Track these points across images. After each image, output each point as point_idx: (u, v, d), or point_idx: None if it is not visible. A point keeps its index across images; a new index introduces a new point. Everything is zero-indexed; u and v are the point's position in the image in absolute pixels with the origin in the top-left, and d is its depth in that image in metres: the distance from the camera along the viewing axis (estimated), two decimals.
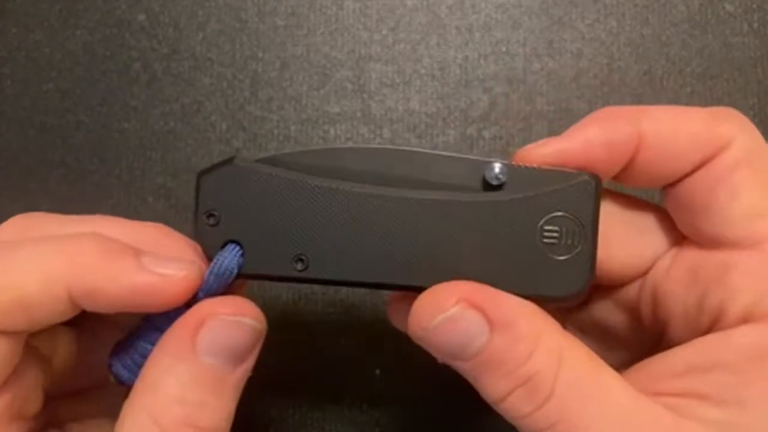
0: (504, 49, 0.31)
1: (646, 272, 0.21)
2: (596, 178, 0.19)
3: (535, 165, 0.19)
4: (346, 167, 0.19)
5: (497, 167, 0.18)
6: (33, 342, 0.19)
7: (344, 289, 0.29)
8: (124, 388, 0.19)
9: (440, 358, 0.19)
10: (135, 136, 0.31)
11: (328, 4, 0.31)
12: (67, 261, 0.17)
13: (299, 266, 0.19)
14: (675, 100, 0.30)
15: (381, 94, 0.31)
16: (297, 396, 0.29)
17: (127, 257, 0.18)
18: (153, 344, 0.18)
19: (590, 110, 0.30)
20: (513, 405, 0.18)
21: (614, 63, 0.31)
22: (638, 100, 0.30)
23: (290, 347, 0.29)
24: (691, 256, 0.20)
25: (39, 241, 0.18)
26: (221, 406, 0.18)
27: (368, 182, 0.19)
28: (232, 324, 0.18)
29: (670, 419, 0.17)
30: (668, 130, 0.19)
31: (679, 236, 0.20)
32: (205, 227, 0.19)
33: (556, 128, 0.30)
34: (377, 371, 0.29)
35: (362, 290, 0.29)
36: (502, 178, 0.18)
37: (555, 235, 0.18)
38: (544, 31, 0.31)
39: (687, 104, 0.30)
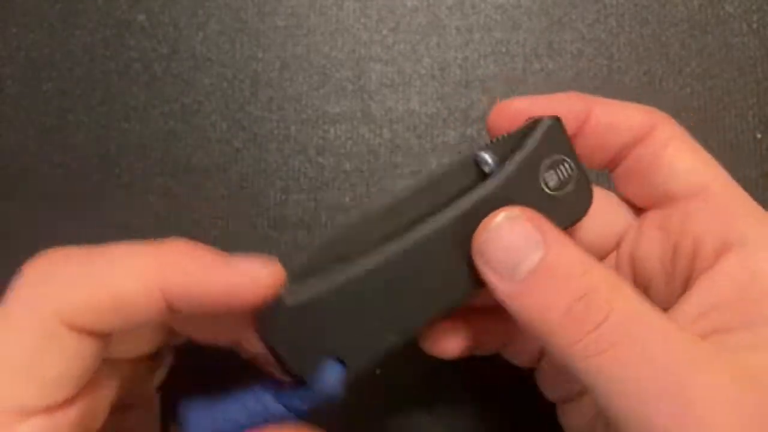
0: (504, 50, 0.31)
1: (618, 243, 0.23)
2: (557, 118, 0.21)
3: (505, 133, 0.21)
4: (361, 239, 0.19)
5: (484, 156, 0.20)
6: (114, 350, 0.19)
7: None
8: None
9: (496, 283, 0.19)
10: (135, 136, 0.31)
11: (329, 4, 0.32)
12: (162, 260, 0.17)
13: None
14: (674, 100, 0.31)
15: (381, 94, 0.31)
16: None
17: (216, 257, 0.18)
18: (244, 414, 0.18)
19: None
20: (571, 324, 0.18)
21: (614, 63, 0.31)
22: (638, 100, 0.30)
23: None
24: (654, 216, 0.22)
25: (131, 244, 0.18)
26: None
27: (386, 241, 0.19)
28: None
29: (715, 350, 0.18)
30: (610, 112, 0.22)
31: (638, 210, 0.23)
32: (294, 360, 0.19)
33: None
34: (377, 371, 0.29)
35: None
36: (492, 163, 0.20)
37: (554, 177, 0.20)
38: (544, 31, 0.31)
39: (687, 105, 0.31)
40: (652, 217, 0.22)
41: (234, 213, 0.30)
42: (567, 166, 0.20)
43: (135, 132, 0.31)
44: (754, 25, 0.31)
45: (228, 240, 0.30)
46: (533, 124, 0.21)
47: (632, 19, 0.31)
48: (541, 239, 0.18)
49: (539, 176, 0.20)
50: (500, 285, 0.19)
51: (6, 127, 0.31)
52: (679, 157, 0.21)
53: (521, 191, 0.20)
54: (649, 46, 0.31)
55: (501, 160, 0.20)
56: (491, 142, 0.20)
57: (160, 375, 0.23)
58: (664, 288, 0.22)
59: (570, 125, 0.21)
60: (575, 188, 0.21)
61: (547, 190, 0.20)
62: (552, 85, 0.31)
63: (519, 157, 0.20)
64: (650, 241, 0.22)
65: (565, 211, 0.20)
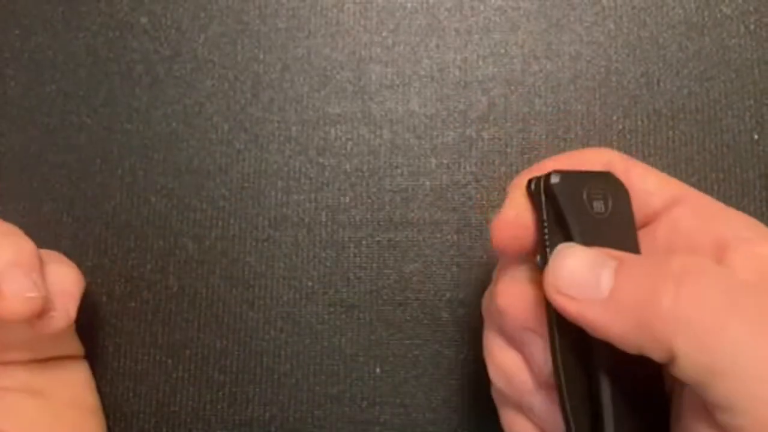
0: (502, 51, 0.31)
1: None
2: (553, 174, 0.22)
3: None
4: None
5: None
6: None
7: (344, 289, 0.30)
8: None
9: (582, 310, 0.19)
10: (137, 138, 0.31)
11: (329, 6, 0.32)
12: None
13: None
14: (672, 101, 0.31)
15: (381, 95, 0.31)
16: (297, 394, 0.29)
17: None
18: None
19: (588, 111, 0.31)
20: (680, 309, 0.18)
21: (612, 65, 0.31)
22: (635, 101, 0.31)
23: (291, 346, 0.29)
24: (642, 238, 0.22)
25: None
26: None
27: None
28: None
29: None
30: (569, 164, 0.23)
31: None
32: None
33: (553, 129, 0.30)
34: (377, 370, 0.29)
35: (362, 290, 0.30)
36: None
37: (599, 203, 0.22)
38: (543, 33, 0.31)
39: (685, 106, 0.31)
40: (647, 233, 0.22)
41: (235, 213, 0.30)
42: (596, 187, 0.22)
43: (137, 133, 0.31)
44: (751, 27, 0.31)
45: (229, 240, 0.30)
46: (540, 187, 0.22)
47: (630, 22, 0.31)
48: (604, 254, 0.19)
49: (590, 211, 0.22)
50: (587, 310, 0.19)
51: (9, 128, 0.31)
52: (646, 177, 0.22)
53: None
54: (647, 48, 0.31)
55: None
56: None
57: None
58: None
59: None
60: (613, 194, 0.22)
61: (600, 215, 0.22)
62: (550, 86, 0.31)
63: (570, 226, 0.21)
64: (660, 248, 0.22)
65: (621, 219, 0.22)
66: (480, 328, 0.29)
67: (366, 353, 0.29)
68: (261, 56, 0.31)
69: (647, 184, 0.22)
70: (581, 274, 0.19)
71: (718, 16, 0.31)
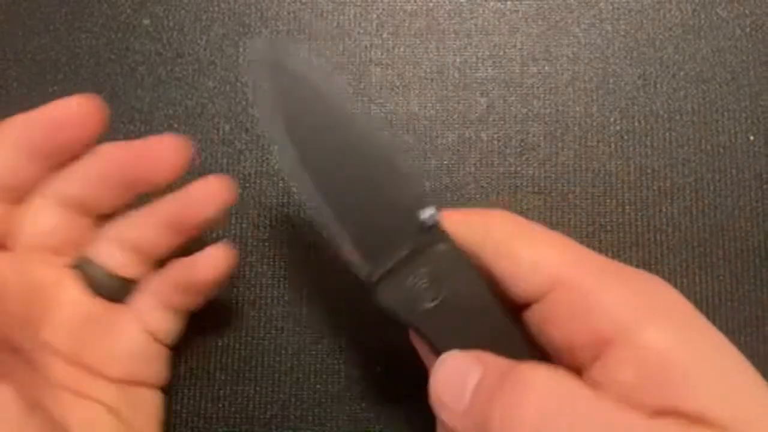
0: (501, 54, 0.31)
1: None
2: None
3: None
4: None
5: (428, 213, 0.21)
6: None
7: (345, 287, 0.30)
8: None
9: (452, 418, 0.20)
10: (140, 138, 0.31)
11: (330, 9, 0.32)
12: None
13: None
14: (669, 103, 0.31)
15: (381, 96, 0.31)
16: (297, 392, 0.29)
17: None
18: None
19: (585, 113, 0.31)
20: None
21: (609, 67, 0.31)
22: (632, 102, 0.31)
23: (292, 345, 0.29)
24: (527, 318, 0.21)
25: None
26: None
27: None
28: None
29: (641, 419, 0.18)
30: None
31: None
32: None
33: (552, 130, 0.31)
34: (378, 368, 0.29)
35: (363, 288, 0.30)
36: (430, 222, 0.21)
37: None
38: (541, 35, 0.31)
39: (681, 108, 0.31)
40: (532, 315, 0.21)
41: (236, 213, 0.30)
42: None
43: (139, 134, 0.31)
44: (747, 30, 0.31)
45: (230, 240, 0.30)
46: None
47: (627, 24, 0.31)
48: (472, 361, 0.20)
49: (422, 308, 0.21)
50: (453, 419, 0.19)
51: None
52: (519, 257, 0.20)
53: None
54: (644, 50, 0.31)
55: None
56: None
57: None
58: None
59: None
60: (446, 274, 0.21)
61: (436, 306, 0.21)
62: (548, 87, 0.31)
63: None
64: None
65: None
66: None
67: (366, 352, 0.29)
68: None
69: (520, 267, 0.20)
70: (451, 383, 0.20)
71: (715, 18, 0.31)
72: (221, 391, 0.29)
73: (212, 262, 0.25)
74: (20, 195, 0.24)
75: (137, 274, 0.26)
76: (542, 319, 0.20)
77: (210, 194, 0.25)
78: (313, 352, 0.29)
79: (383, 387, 0.29)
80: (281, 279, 0.30)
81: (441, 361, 0.20)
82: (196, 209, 0.25)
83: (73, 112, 0.24)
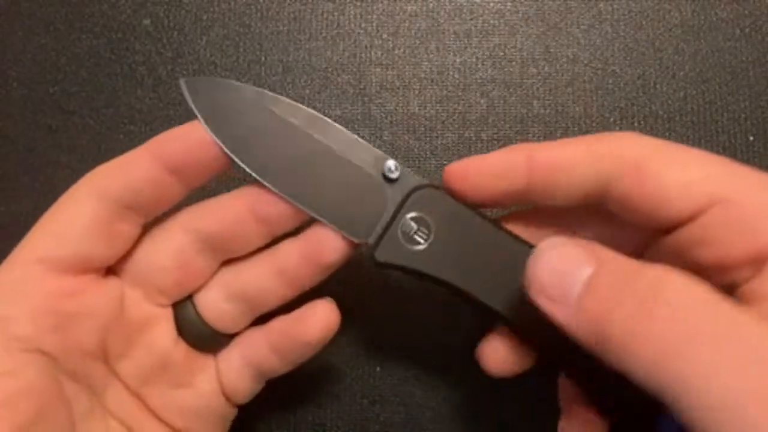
0: (501, 54, 0.31)
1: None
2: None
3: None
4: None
5: (392, 164, 0.23)
6: None
7: (345, 287, 0.30)
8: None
9: (554, 311, 0.18)
10: (140, 139, 0.30)
11: (330, 9, 0.32)
12: None
13: None
14: (668, 104, 0.31)
15: (381, 97, 0.31)
16: (297, 393, 0.29)
17: None
18: None
19: (585, 113, 0.31)
20: (634, 325, 0.17)
21: (608, 68, 0.31)
22: (632, 103, 0.31)
23: None
24: (667, 244, 0.20)
25: None
26: None
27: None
28: None
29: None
30: (553, 153, 0.21)
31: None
32: None
33: (551, 131, 0.31)
34: (377, 368, 0.29)
35: (363, 288, 0.30)
36: (395, 174, 0.23)
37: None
38: (541, 36, 0.32)
39: (681, 108, 0.31)
40: (656, 257, 0.20)
41: None
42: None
43: (140, 134, 0.31)
44: (746, 30, 0.31)
45: None
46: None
47: (627, 25, 0.32)
48: (585, 253, 0.18)
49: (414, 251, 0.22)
50: (558, 312, 0.18)
51: (12, 129, 0.31)
52: (663, 176, 0.19)
53: None
54: (644, 51, 0.31)
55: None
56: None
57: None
58: None
59: (515, 176, 0.22)
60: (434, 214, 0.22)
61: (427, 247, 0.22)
62: (548, 88, 0.31)
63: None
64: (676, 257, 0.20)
65: None
66: (479, 326, 0.30)
67: (366, 352, 0.29)
68: (262, 58, 0.31)
69: (665, 190, 0.19)
70: (559, 273, 0.18)
71: (714, 19, 0.31)
72: None
73: (322, 318, 0.23)
74: (154, 214, 0.23)
75: (234, 328, 0.25)
76: (692, 240, 0.19)
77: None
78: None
79: (383, 387, 0.29)
80: None
81: (542, 248, 0.19)
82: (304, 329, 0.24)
83: (204, 136, 0.23)
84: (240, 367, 0.25)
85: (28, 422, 0.19)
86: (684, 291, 0.16)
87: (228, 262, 0.24)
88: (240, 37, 0.32)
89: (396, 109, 0.31)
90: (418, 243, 0.22)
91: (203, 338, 0.24)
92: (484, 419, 0.29)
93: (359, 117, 0.31)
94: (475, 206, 0.23)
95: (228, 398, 0.25)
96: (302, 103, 0.31)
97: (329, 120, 0.23)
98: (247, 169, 0.23)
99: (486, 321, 0.29)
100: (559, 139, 0.22)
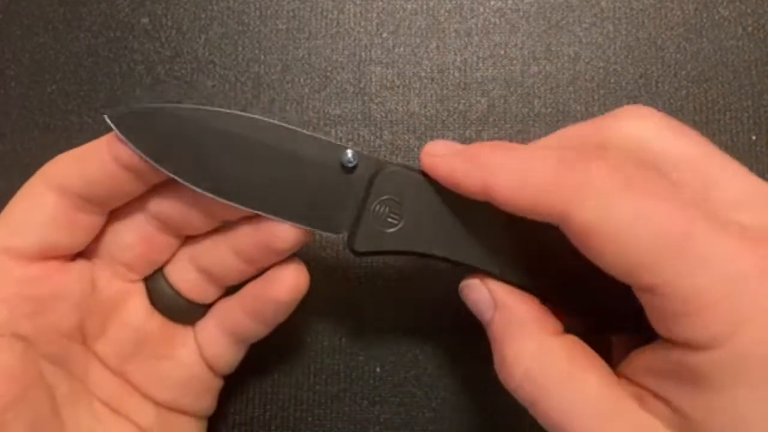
0: (502, 53, 0.31)
1: None
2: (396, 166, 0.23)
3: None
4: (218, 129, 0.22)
5: (350, 153, 0.23)
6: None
7: (345, 289, 0.30)
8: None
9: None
10: None
11: (329, 7, 0.32)
12: None
13: None
14: (670, 102, 0.31)
15: (381, 96, 0.31)
16: (297, 393, 0.29)
17: None
18: None
19: (586, 112, 0.31)
20: (502, 378, 0.21)
21: (610, 66, 0.31)
22: (634, 102, 0.31)
23: (290, 345, 0.29)
24: None
25: None
26: None
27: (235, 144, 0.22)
28: None
29: (631, 412, 0.18)
30: (509, 192, 0.20)
31: None
32: None
33: (552, 130, 0.30)
34: (377, 369, 0.29)
35: (362, 289, 0.30)
36: (353, 162, 0.23)
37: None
38: (542, 35, 0.31)
39: (683, 107, 0.31)
40: None
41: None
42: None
43: None
44: (749, 29, 0.31)
45: None
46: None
47: (628, 23, 0.31)
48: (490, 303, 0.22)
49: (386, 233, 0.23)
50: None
51: (10, 128, 0.31)
52: (609, 255, 0.18)
53: None
54: (645, 50, 0.31)
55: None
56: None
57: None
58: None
59: (473, 192, 0.21)
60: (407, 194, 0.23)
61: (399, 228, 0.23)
62: (549, 87, 0.31)
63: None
64: None
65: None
66: (478, 326, 0.30)
67: (366, 352, 0.29)
68: (262, 57, 0.31)
69: (614, 271, 0.18)
70: (477, 310, 0.23)
71: (716, 18, 0.31)
72: (221, 392, 0.29)
73: (290, 280, 0.24)
74: (116, 206, 0.24)
75: (207, 298, 0.25)
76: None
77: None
78: (313, 352, 0.29)
79: (383, 387, 0.29)
80: None
81: (465, 285, 0.24)
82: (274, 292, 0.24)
83: None
84: (218, 335, 0.25)
85: (7, 405, 0.20)
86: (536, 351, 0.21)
87: (191, 237, 0.25)
88: (239, 36, 0.32)
89: (396, 108, 0.31)
90: (393, 224, 0.22)
91: (177, 309, 0.25)
92: (484, 420, 0.29)
93: (359, 116, 0.31)
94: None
95: (210, 367, 0.25)
96: (302, 102, 0.31)
97: (275, 121, 0.23)
98: (206, 193, 0.22)
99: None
100: (530, 145, 0.22)
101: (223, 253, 0.24)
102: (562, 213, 0.19)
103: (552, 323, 0.21)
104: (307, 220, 0.23)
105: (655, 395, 0.19)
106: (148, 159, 0.22)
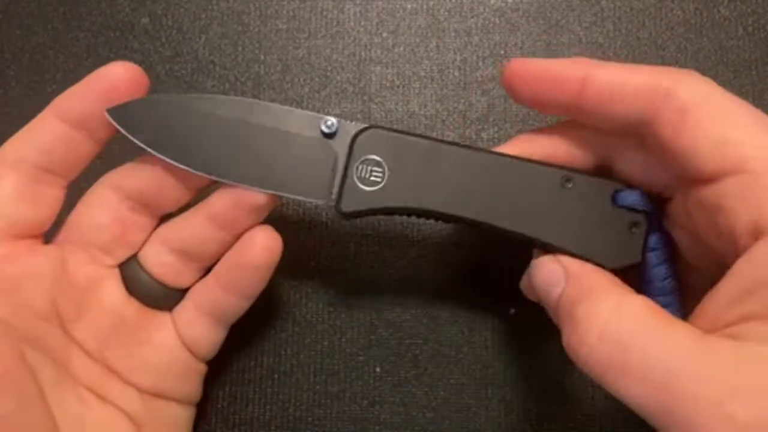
0: (502, 52, 0.31)
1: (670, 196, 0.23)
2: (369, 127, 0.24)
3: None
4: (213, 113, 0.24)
5: (329, 120, 0.24)
6: None
7: (344, 287, 0.30)
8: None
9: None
10: None
11: (329, 7, 0.32)
12: None
13: None
14: None
15: (381, 96, 0.31)
16: (297, 393, 0.29)
17: None
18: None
19: None
20: (571, 348, 0.20)
21: None
22: None
23: (290, 345, 0.29)
24: (692, 194, 0.21)
25: None
26: None
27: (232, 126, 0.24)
28: None
29: (729, 346, 0.18)
30: (611, 78, 0.21)
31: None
32: None
33: None
34: (377, 369, 0.29)
35: (362, 288, 0.30)
36: (333, 128, 0.23)
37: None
38: (542, 34, 0.31)
39: None
40: (691, 195, 0.21)
41: None
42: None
43: None
44: (749, 28, 0.31)
45: None
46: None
47: (629, 23, 0.31)
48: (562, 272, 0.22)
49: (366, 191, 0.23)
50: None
51: (10, 129, 0.31)
52: (704, 128, 0.19)
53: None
54: (646, 49, 0.31)
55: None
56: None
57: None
58: (704, 272, 0.21)
59: (567, 91, 0.22)
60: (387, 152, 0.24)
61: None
62: None
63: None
64: (693, 222, 0.21)
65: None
66: (478, 327, 0.30)
67: (366, 352, 0.29)
68: (261, 57, 0.31)
69: (698, 143, 0.19)
70: (545, 284, 0.22)
71: (717, 17, 0.31)
72: (221, 392, 0.29)
73: (263, 241, 0.24)
74: (74, 174, 0.24)
75: (182, 282, 0.25)
76: (711, 201, 0.19)
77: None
78: (313, 352, 0.29)
79: (383, 387, 0.29)
80: (280, 279, 0.30)
81: (534, 264, 0.23)
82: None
83: (122, 76, 0.23)
84: (196, 317, 0.25)
85: None
86: (615, 311, 0.20)
87: (165, 219, 0.25)
88: (239, 36, 0.32)
89: (396, 108, 0.31)
90: (377, 183, 0.23)
91: (153, 294, 0.25)
92: (484, 420, 0.29)
93: (359, 116, 0.31)
94: (524, 105, 0.24)
95: (191, 351, 0.25)
96: (302, 102, 0.31)
97: (258, 101, 0.24)
98: (199, 173, 0.23)
99: (487, 320, 0.29)
100: (621, 64, 0.22)
101: (197, 223, 0.24)
102: (668, 90, 0.20)
103: (626, 287, 0.21)
104: (298, 190, 0.24)
105: (740, 322, 0.18)
106: (147, 148, 0.23)
